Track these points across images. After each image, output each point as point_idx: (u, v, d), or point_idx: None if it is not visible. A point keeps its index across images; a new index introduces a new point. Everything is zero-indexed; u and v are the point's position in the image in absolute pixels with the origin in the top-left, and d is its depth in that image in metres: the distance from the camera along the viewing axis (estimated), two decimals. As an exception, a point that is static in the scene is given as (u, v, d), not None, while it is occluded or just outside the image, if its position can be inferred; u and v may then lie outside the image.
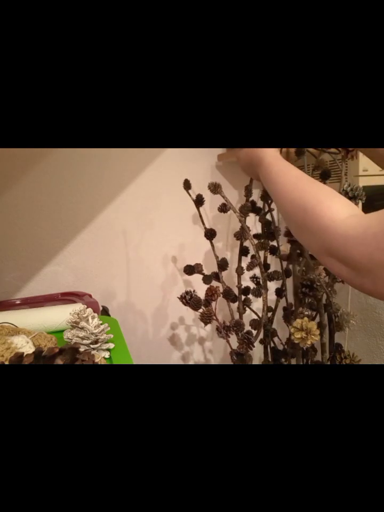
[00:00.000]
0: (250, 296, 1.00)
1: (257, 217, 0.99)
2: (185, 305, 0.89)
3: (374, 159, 0.50)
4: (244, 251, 1.00)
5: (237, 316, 0.98)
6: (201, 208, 0.98)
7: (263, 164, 0.49)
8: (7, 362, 0.50)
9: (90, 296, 1.04)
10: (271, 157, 0.49)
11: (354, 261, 0.32)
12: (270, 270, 0.98)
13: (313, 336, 0.73)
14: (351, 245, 0.32)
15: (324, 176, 0.86)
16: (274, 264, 1.01)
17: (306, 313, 0.83)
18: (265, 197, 0.94)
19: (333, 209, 0.35)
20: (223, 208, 0.96)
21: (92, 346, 0.66)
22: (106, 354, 0.66)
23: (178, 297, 0.91)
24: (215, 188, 0.89)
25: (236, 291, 0.99)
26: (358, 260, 0.31)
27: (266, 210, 0.95)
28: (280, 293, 1.00)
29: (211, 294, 0.87)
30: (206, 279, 0.99)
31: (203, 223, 0.99)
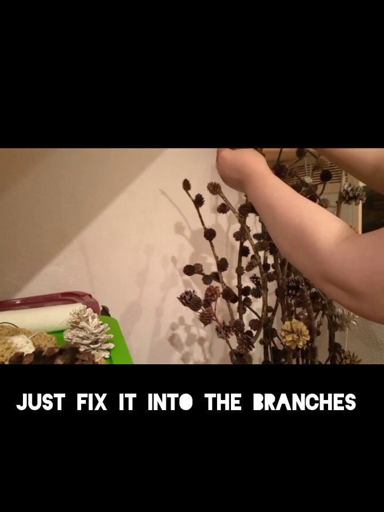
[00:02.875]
0: (250, 296, 1.00)
1: (257, 217, 0.99)
2: (185, 305, 0.90)
3: (342, 164, 0.48)
4: (243, 251, 1.00)
5: (236, 316, 0.98)
6: (201, 208, 0.99)
7: (255, 177, 0.46)
8: (7, 362, 0.50)
9: (90, 296, 1.04)
10: (264, 169, 0.46)
11: (353, 286, 0.31)
12: (270, 270, 0.98)
13: (303, 337, 0.73)
14: (349, 270, 0.31)
15: (325, 177, 0.86)
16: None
17: (305, 314, 0.83)
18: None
19: (331, 232, 0.34)
20: (223, 209, 0.96)
21: (92, 346, 0.66)
22: (106, 354, 0.66)
23: (178, 298, 0.91)
24: (214, 188, 0.89)
25: (236, 291, 0.99)
26: (356, 285, 0.31)
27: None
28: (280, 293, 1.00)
29: (211, 294, 0.87)
30: (206, 279, 0.99)
31: (203, 223, 0.99)
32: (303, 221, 0.37)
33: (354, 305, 0.32)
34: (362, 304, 0.31)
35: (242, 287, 1.01)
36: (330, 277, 0.33)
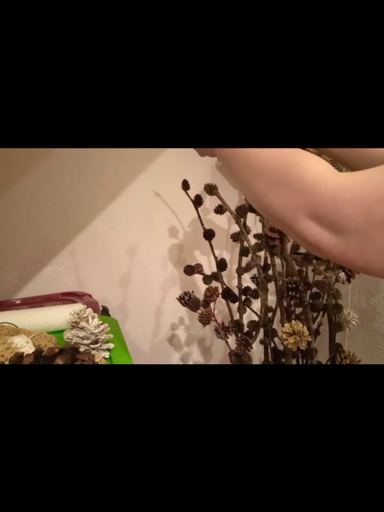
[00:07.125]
0: (250, 296, 1.00)
1: (257, 217, 0.99)
2: (184, 306, 0.89)
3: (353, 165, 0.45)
4: (243, 251, 1.00)
5: (236, 316, 0.98)
6: (200, 209, 0.99)
7: None
8: (7, 362, 0.50)
9: (90, 296, 1.04)
10: None
11: (345, 220, 0.27)
12: (270, 271, 0.98)
13: (305, 338, 0.73)
14: (344, 199, 0.27)
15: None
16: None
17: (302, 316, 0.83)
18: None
19: (321, 165, 0.31)
20: (219, 210, 0.96)
21: (92, 346, 0.66)
22: (106, 354, 0.66)
23: (177, 298, 0.91)
24: (211, 189, 0.89)
25: (236, 291, 0.99)
26: (351, 218, 0.27)
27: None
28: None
29: (210, 295, 0.87)
30: (206, 279, 0.99)
31: (202, 224, 0.99)
32: (287, 157, 0.33)
33: (338, 248, 0.28)
34: (350, 244, 0.27)
35: (243, 287, 1.01)
36: (319, 210, 0.29)
